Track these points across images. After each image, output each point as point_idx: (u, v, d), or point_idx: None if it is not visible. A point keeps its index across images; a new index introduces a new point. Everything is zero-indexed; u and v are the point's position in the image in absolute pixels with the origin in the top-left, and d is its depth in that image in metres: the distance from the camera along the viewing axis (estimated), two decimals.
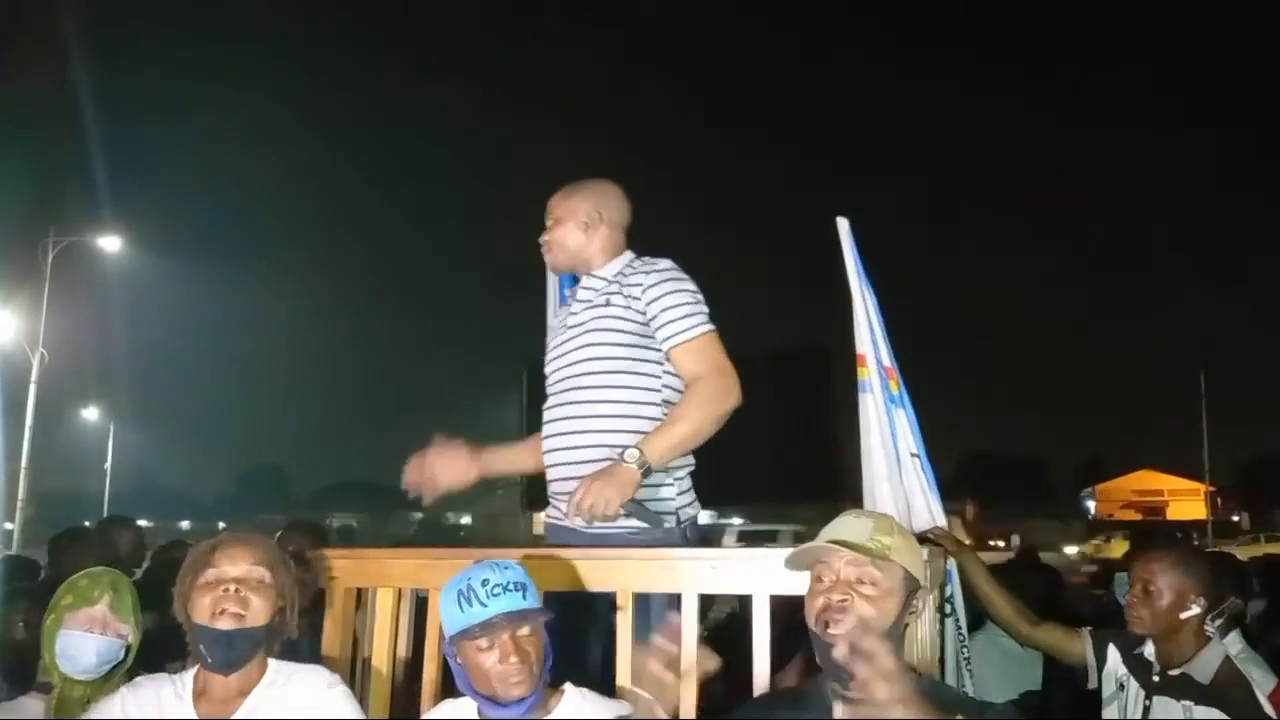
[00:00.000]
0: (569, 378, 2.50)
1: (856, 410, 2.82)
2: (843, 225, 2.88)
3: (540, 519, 3.44)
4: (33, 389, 19.79)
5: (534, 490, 3.89)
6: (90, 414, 36.62)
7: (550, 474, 2.56)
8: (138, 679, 1.98)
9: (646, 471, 2.27)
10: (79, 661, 2.17)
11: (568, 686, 1.91)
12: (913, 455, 2.79)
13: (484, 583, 1.82)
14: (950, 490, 2.98)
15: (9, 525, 19.22)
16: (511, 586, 1.81)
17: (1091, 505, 54.53)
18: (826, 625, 1.63)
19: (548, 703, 1.87)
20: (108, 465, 37.58)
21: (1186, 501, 46.86)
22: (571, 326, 2.54)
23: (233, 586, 1.88)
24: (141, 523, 4.55)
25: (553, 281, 3.71)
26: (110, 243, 21.20)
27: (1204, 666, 2.33)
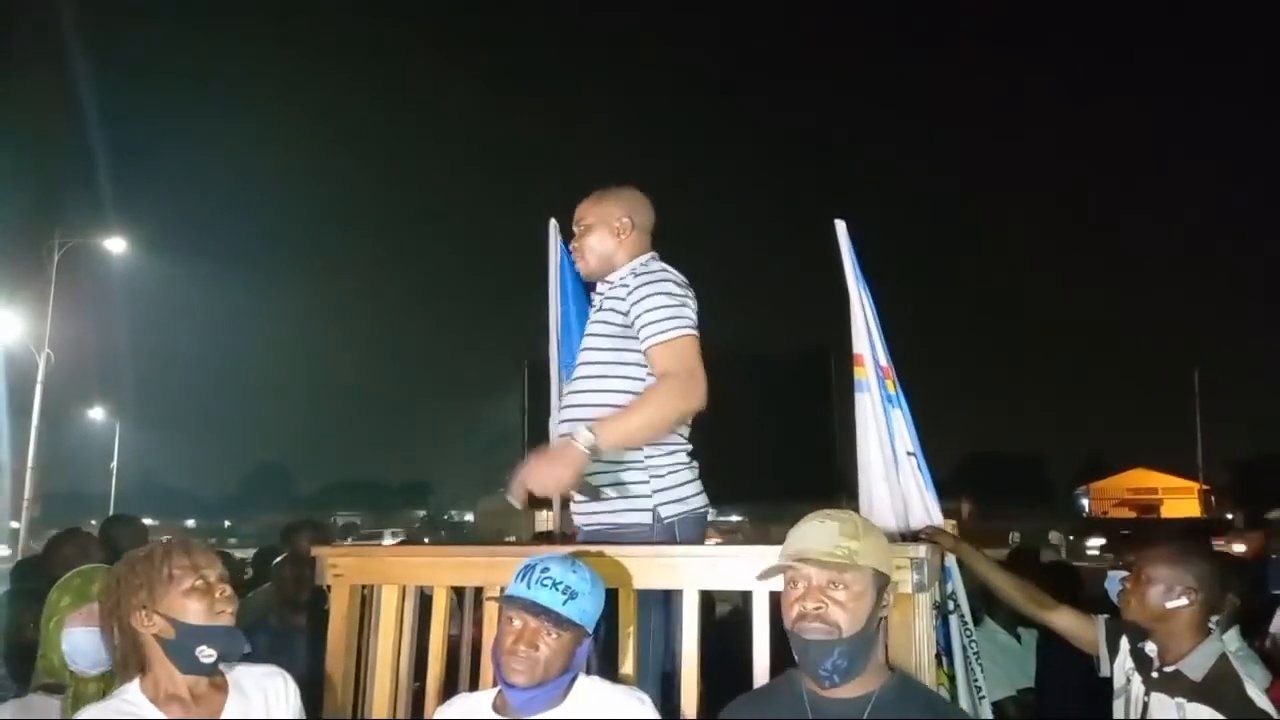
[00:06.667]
0: (578, 374, 2.57)
1: (854, 410, 2.85)
2: (840, 227, 2.91)
3: (541, 517, 3.47)
4: (39, 389, 19.87)
5: None
6: (96, 414, 36.69)
7: None
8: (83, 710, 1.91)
9: (594, 453, 2.24)
10: (89, 657, 2.16)
11: (579, 675, 1.95)
12: (909, 454, 2.82)
13: (545, 569, 1.88)
14: (947, 489, 3.01)
15: (15, 524, 19.28)
16: (561, 587, 1.86)
17: (1086, 503, 54.29)
18: (804, 630, 1.73)
19: (560, 698, 1.91)
20: (113, 465, 37.63)
21: (1180, 500, 46.54)
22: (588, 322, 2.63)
23: (222, 586, 1.96)
24: (147, 521, 4.56)
25: (554, 281, 3.74)
26: (115, 244, 21.30)
27: (1197, 663, 2.31)
